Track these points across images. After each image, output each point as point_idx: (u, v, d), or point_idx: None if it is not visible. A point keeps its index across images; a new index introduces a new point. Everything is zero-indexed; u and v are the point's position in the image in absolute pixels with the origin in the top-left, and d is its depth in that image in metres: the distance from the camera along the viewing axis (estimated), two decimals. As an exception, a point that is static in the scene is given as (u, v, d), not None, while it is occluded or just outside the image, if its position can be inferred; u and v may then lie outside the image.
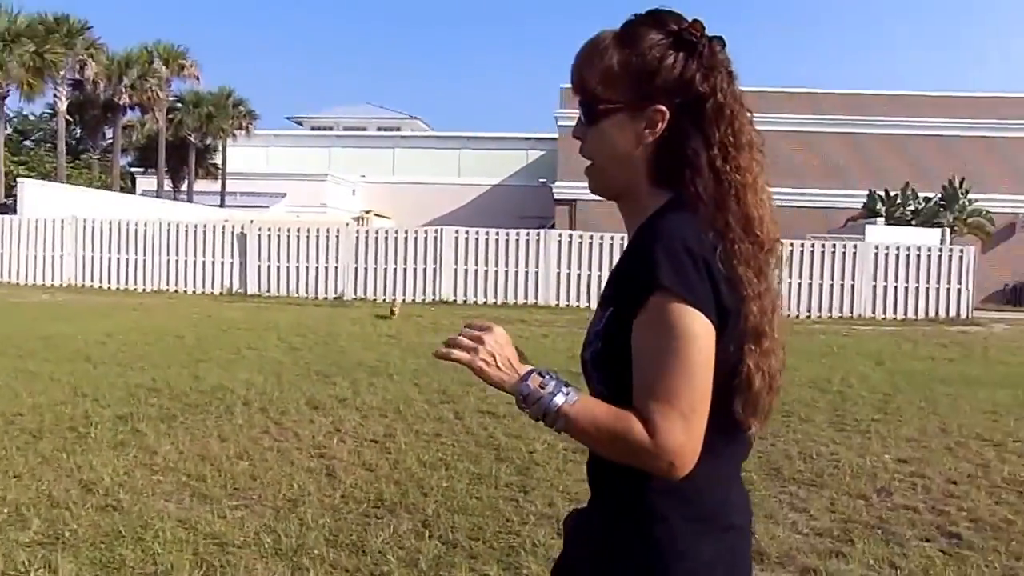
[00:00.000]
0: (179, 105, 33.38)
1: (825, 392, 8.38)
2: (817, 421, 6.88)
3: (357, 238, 20.34)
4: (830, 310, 18.97)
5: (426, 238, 20.28)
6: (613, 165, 1.34)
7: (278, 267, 20.24)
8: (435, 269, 20.17)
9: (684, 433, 1.17)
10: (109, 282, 20.36)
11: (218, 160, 34.50)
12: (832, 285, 19.11)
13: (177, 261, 20.38)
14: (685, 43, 1.28)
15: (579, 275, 19.99)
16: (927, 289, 19.08)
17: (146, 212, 21.94)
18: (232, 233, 20.44)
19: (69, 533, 3.78)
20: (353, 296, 19.88)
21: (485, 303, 19.87)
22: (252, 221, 21.22)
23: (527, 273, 20.14)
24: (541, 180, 36.75)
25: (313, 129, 47.44)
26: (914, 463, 5.62)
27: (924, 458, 5.77)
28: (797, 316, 18.00)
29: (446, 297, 20.04)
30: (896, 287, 19.08)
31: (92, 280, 20.43)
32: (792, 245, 18.16)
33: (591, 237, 20.28)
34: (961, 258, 19.04)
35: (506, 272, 20.15)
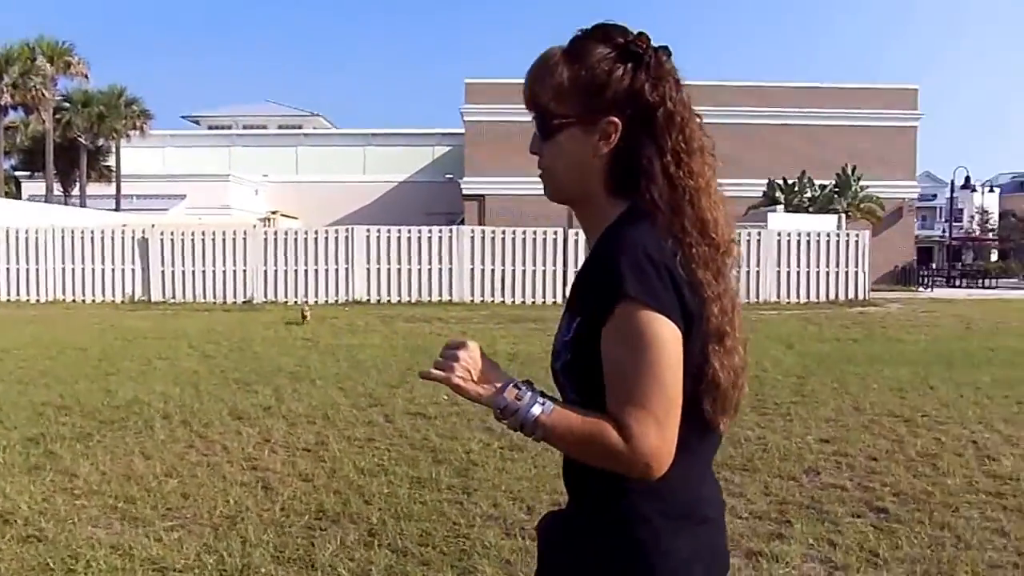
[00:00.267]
0: (67, 105, 31.62)
1: (743, 377, 8.63)
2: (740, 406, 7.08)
3: (265, 240, 19.82)
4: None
5: (337, 238, 19.93)
6: (570, 177, 1.37)
7: (183, 272, 19.52)
8: (347, 269, 19.85)
9: (658, 436, 1.20)
10: (-2, 294, 19.23)
11: (111, 162, 32.88)
12: (738, 272, 19.70)
13: (73, 269, 19.41)
14: (632, 55, 1.31)
15: (493, 271, 20.04)
16: (827, 273, 19.98)
17: (36, 218, 20.73)
18: (132, 238, 19.58)
19: (-10, 568, 3.55)
20: (263, 299, 19.36)
21: (399, 302, 19.70)
22: (154, 225, 20.40)
23: (441, 270, 20.06)
24: (448, 176, 36.65)
25: (211, 128, 45.92)
26: (836, 442, 5.87)
27: (844, 437, 6.03)
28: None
29: (359, 297, 19.76)
30: (798, 272, 19.89)
31: (-22, 293, 19.25)
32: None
33: (503, 232, 20.36)
34: (857, 242, 20.00)
35: (419, 270, 20.02)
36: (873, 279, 23.10)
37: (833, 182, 27.21)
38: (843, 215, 23.73)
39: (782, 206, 25.00)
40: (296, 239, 19.90)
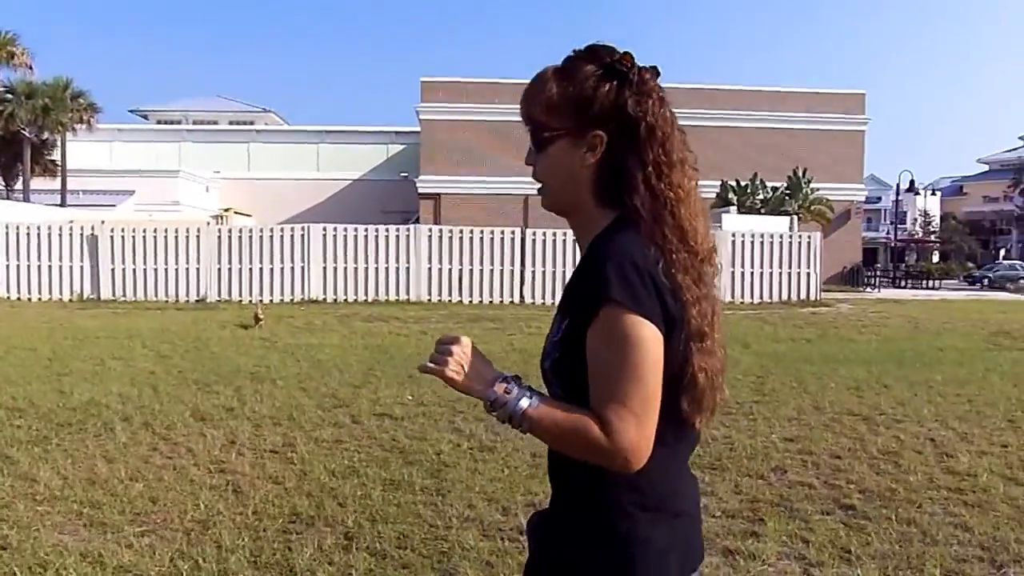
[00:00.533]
0: (9, 97, 30.55)
1: (705, 377, 8.74)
2: (704, 405, 7.17)
3: (219, 237, 19.48)
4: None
5: (293, 236, 19.68)
6: (561, 187, 1.45)
7: (134, 270, 19.07)
8: (303, 268, 19.62)
9: (637, 432, 1.27)
10: (-63, 292, 18.56)
11: (56, 156, 31.92)
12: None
13: (19, 266, 18.84)
14: (617, 73, 1.39)
15: (450, 270, 19.99)
16: (779, 274, 20.35)
17: (-24, 214, 20.09)
18: (81, 235, 19.06)
19: (-48, 578, 3.42)
20: (217, 298, 19.03)
21: (356, 300, 19.53)
22: (103, 222, 19.84)
23: (398, 269, 19.94)
24: (403, 174, 36.46)
25: (160, 123, 44.97)
26: (799, 441, 5.98)
27: (807, 436, 6.16)
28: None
29: (315, 296, 19.54)
30: (752, 272, 20.22)
31: (-84, 290, 18.56)
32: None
33: (461, 231, 20.32)
34: (809, 243, 20.42)
35: (376, 268, 19.88)
36: (823, 280, 23.63)
37: (784, 184, 27.73)
38: (795, 217, 24.20)
39: (735, 207, 25.40)
40: (251, 237, 19.60)
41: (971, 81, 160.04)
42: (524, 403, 1.31)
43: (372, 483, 4.79)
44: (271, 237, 19.58)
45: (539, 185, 1.49)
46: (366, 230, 20.00)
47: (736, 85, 30.80)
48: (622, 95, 1.39)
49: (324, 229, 19.86)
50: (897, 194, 39.15)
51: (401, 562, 3.66)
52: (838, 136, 31.41)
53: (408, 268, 19.87)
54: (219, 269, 19.25)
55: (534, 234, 20.52)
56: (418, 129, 34.09)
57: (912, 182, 37.59)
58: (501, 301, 19.60)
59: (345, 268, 19.73)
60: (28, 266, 18.88)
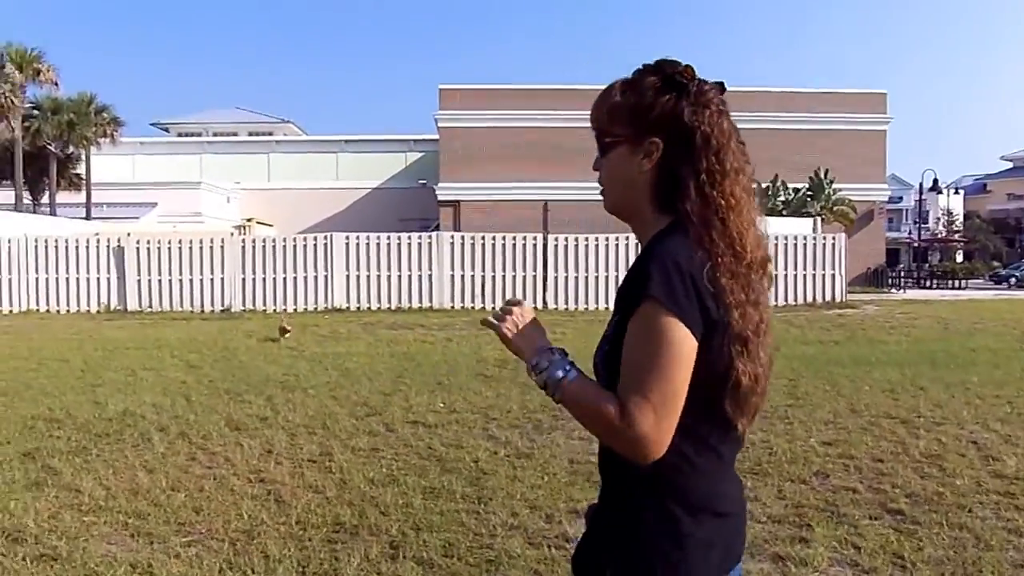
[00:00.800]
0: (36, 112, 30.93)
1: (737, 381, 8.67)
2: (739, 410, 7.11)
3: (243, 248, 19.59)
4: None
5: (316, 245, 19.75)
6: (620, 191, 1.53)
7: (159, 281, 19.22)
8: (326, 276, 19.69)
9: (654, 425, 1.31)
10: (-32, 305, 18.79)
11: (81, 170, 32.25)
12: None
13: (47, 279, 19.04)
14: (677, 84, 1.46)
15: (472, 276, 19.99)
16: (804, 276, 20.19)
17: (6, 227, 20.30)
18: (107, 247, 19.24)
19: (4, 590, 3.44)
20: (241, 308, 19.14)
21: (379, 308, 19.57)
22: (129, 234, 20.03)
23: (421, 276, 19.96)
24: (421, 181, 36.56)
25: (181, 135, 45.36)
26: (839, 445, 5.91)
27: (846, 439, 6.08)
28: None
29: (339, 304, 19.61)
30: (776, 275, 20.04)
31: (-53, 304, 18.80)
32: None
33: (483, 238, 20.30)
34: (834, 245, 20.25)
35: (399, 276, 19.92)
36: (847, 281, 23.43)
37: (806, 185, 27.54)
38: (818, 218, 24.02)
39: (757, 210, 25.21)
40: (274, 247, 19.69)
41: (992, 78, 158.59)
42: (560, 373, 1.40)
43: (412, 491, 4.78)
44: (294, 246, 19.68)
45: (599, 189, 1.55)
46: (388, 238, 20.05)
47: (754, 87, 30.70)
48: (679, 105, 1.44)
49: (347, 238, 19.93)
50: (920, 193, 38.76)
51: (449, 571, 3.64)
52: (860, 136, 31.14)
53: (431, 275, 19.89)
54: (243, 279, 19.36)
55: (556, 240, 20.49)
56: (436, 136, 34.17)
57: (935, 181, 37.24)
58: (524, 307, 19.55)
59: (368, 276, 19.79)
60: (56, 279, 19.07)
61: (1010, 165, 71.34)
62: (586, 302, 19.88)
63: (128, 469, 5.29)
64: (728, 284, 1.37)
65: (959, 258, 50.63)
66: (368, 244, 19.91)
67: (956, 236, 55.87)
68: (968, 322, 16.23)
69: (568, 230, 22.06)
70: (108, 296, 19.19)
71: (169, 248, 19.24)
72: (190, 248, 19.33)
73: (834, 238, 20.61)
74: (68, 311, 18.94)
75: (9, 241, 19.02)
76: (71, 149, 32.03)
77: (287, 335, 12.85)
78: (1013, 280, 38.19)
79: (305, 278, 19.59)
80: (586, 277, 20.22)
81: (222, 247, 19.44)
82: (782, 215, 25.53)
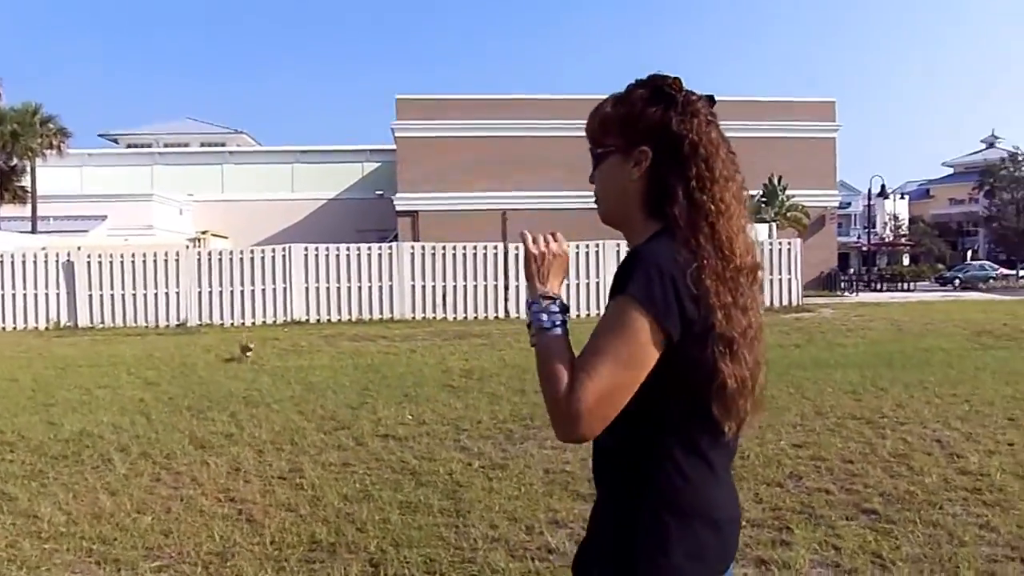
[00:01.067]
0: (-23, 124, 30.11)
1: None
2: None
3: (199, 260, 19.21)
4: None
5: (274, 257, 19.47)
6: (613, 200, 1.56)
7: (111, 296, 18.76)
8: (285, 289, 19.42)
9: (590, 408, 1.32)
10: (-92, 324, 18.12)
11: (26, 182, 31.38)
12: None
13: (-8, 296, 18.45)
14: (665, 95, 1.50)
15: (433, 287, 19.88)
16: (762, 280, 20.40)
17: (-53, 243, 19.68)
18: (57, 261, 18.72)
19: (-35, 623, 3.28)
20: (198, 322, 18.77)
21: (339, 320, 19.36)
22: (80, 248, 19.52)
23: (381, 287, 19.81)
24: (378, 192, 36.33)
25: (130, 147, 44.48)
26: (809, 447, 5.97)
27: (815, 441, 6.15)
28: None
29: (298, 317, 19.35)
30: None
31: None
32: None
33: (444, 248, 20.22)
34: (790, 250, 20.59)
35: (359, 287, 19.74)
36: (802, 285, 23.82)
37: (760, 192, 27.97)
38: (773, 224, 24.41)
39: (713, 216, 25.54)
40: (231, 259, 19.36)
41: (933, 85, 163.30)
42: (547, 324, 1.42)
43: (388, 506, 4.69)
44: (251, 259, 19.37)
45: (594, 199, 1.57)
46: (348, 249, 19.85)
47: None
48: (667, 115, 1.47)
49: (306, 249, 19.69)
50: (869, 198, 39.66)
51: (432, 587, 3.57)
52: (810, 143, 31.76)
53: (391, 286, 19.74)
54: (199, 293, 18.99)
55: (516, 248, 20.48)
56: (393, 147, 33.99)
57: (883, 187, 38.14)
58: (486, 317, 19.53)
59: (328, 288, 19.57)
60: (2, 295, 18.50)
61: (951, 171, 73.50)
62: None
63: (89, 492, 5.11)
64: (713, 286, 1.37)
65: (906, 261, 51.88)
66: (327, 255, 19.70)
67: (903, 240, 57.23)
68: (920, 323, 16.62)
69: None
70: (57, 312, 18.67)
71: (122, 262, 18.79)
72: (143, 261, 18.90)
73: (789, 243, 20.96)
74: (15, 328, 18.37)
75: (-48, 257, 18.43)
76: (15, 161, 31.13)
77: (249, 354, 12.09)
78: (957, 281, 39.28)
79: (263, 291, 19.29)
80: (547, 285, 20.19)
81: (177, 260, 19.05)
82: (737, 221, 25.86)
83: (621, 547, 1.41)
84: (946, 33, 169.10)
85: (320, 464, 5.76)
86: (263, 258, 19.41)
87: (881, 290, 34.49)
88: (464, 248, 20.24)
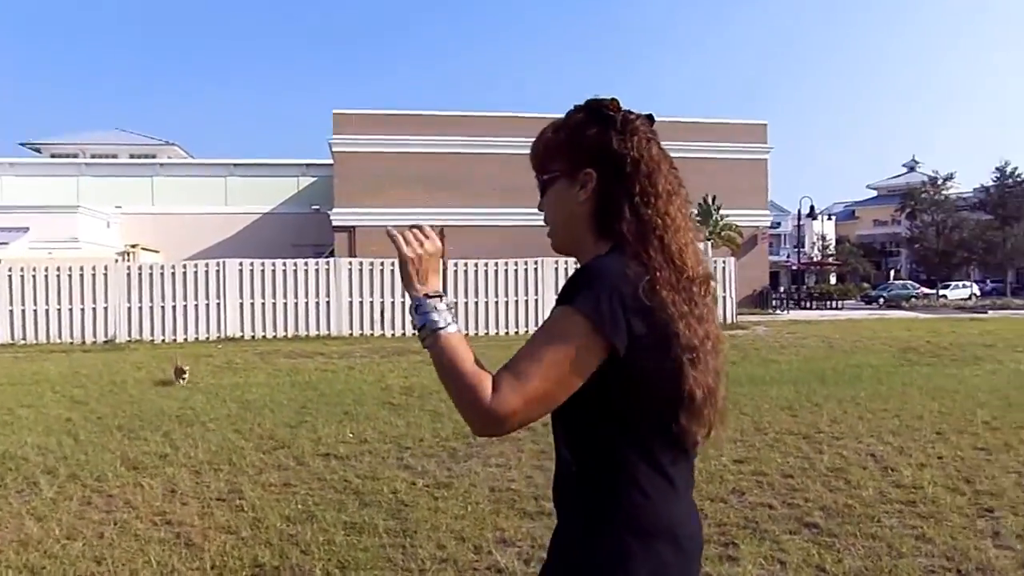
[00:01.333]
0: None
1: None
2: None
3: (128, 275, 18.62)
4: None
5: (207, 272, 19.00)
6: (563, 226, 1.56)
7: (35, 311, 18.02)
8: (219, 304, 18.97)
9: (515, 411, 1.32)
10: None
11: (-59, 193, 30.06)
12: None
13: (-96, 312, 17.53)
14: (603, 116, 1.52)
15: (371, 303, 19.67)
16: (715, 290, 20.81)
17: None
18: (-26, 276, 17.93)
19: None
20: (127, 338, 18.17)
21: (275, 337, 18.99)
22: (1, 261, 18.71)
23: (319, 304, 19.52)
24: (315, 207, 35.83)
25: (54, 156, 42.93)
26: (750, 462, 6.07)
27: (756, 456, 6.26)
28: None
29: (232, 333, 18.91)
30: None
31: None
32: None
33: (382, 264, 20.03)
34: (724, 268, 21.02)
35: (296, 303, 19.41)
36: (736, 303, 24.33)
37: (695, 211, 28.51)
38: (708, 243, 24.89)
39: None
40: (163, 273, 18.82)
41: (858, 109, 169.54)
42: (441, 323, 1.40)
43: (333, 527, 4.59)
44: (184, 273, 18.87)
45: (545, 227, 1.58)
46: (284, 264, 19.51)
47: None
48: (607, 135, 1.49)
49: (240, 264, 19.27)
50: (799, 219, 40.84)
51: (380, 610, 3.49)
52: (743, 164, 32.55)
53: (328, 302, 19.46)
54: (128, 308, 18.39)
55: (455, 264, 20.45)
56: (329, 161, 33.59)
57: (812, 208, 39.35)
58: (425, 333, 19.37)
59: (263, 304, 19.19)
60: (-85, 311, 17.62)
61: (875, 193, 76.33)
62: (486, 327, 19.87)
63: (14, 518, 4.87)
64: (669, 296, 1.38)
65: (832, 280, 53.53)
66: (263, 270, 19.32)
67: (830, 259, 59.07)
68: (849, 341, 17.13)
69: (467, 255, 22.08)
70: (-25, 329, 17.85)
71: (46, 276, 18.09)
72: (69, 276, 18.23)
73: (724, 261, 21.41)
74: (-71, 346, 17.50)
75: None
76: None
77: (184, 378, 11.10)
78: (881, 300, 40.68)
79: (196, 306, 18.81)
80: (486, 302, 20.24)
81: (105, 274, 18.42)
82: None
83: (584, 571, 1.39)
84: (871, 60, 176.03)
85: (260, 484, 5.61)
86: (196, 273, 18.93)
87: (811, 308, 35.45)
88: (403, 264, 20.07)
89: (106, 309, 18.25)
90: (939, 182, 47.36)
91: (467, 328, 19.91)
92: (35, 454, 6.65)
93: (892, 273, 62.00)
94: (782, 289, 43.63)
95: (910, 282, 48.60)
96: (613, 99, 1.54)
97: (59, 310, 18.10)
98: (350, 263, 20.59)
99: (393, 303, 19.71)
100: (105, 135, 47.51)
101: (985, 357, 13.47)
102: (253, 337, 18.92)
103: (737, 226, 29.05)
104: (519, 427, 1.35)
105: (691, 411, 1.39)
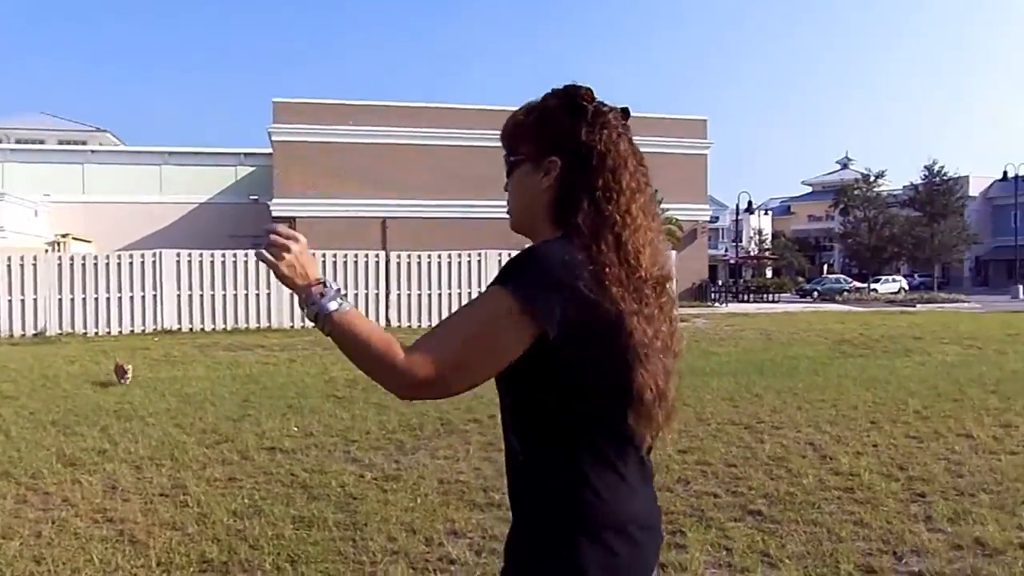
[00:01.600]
0: None
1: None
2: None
3: (60, 266, 17.99)
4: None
5: (143, 263, 18.48)
6: (522, 208, 1.55)
7: (-42, 303, 17.30)
8: (155, 296, 18.48)
9: (431, 377, 1.33)
10: None
11: None
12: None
13: None
14: (576, 106, 1.50)
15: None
16: (672, 292, 21.08)
17: None
18: None
19: None
20: (59, 331, 17.56)
21: (214, 329, 18.60)
22: (-81, 251, 17.91)
23: (258, 296, 19.17)
24: (253, 197, 35.13)
25: (-24, 142, 41.23)
26: (694, 452, 6.19)
27: (699, 447, 6.38)
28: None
29: (169, 326, 18.45)
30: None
31: None
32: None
33: (324, 255, 19.75)
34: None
35: (235, 295, 19.03)
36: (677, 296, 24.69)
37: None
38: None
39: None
40: (95, 264, 18.22)
41: (795, 107, 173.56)
42: (332, 306, 1.38)
43: (281, 522, 4.54)
44: (119, 264, 18.30)
45: (506, 208, 1.58)
46: (223, 255, 19.11)
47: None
48: (576, 125, 1.47)
49: (178, 255, 18.80)
50: (737, 214, 41.70)
51: (333, 603, 3.47)
52: (683, 159, 33.02)
53: (269, 294, 19.13)
54: (60, 300, 17.77)
55: (399, 257, 20.33)
56: (268, 151, 32.99)
57: (750, 203, 40.19)
58: (368, 325, 19.20)
59: (201, 295, 18.76)
60: None
61: (810, 189, 78.35)
62: (428, 319, 19.81)
63: (-55, 516, 4.69)
64: (619, 292, 1.36)
65: (769, 274, 54.79)
66: (201, 262, 18.89)
67: (767, 254, 60.44)
68: (786, 333, 17.57)
69: (409, 247, 21.96)
70: None
71: (-31, 267, 17.36)
72: (-4, 267, 17.54)
73: (666, 255, 21.69)
74: None
75: None
76: None
77: (127, 377, 10.30)
78: (816, 294, 41.83)
79: (131, 298, 18.27)
80: (428, 295, 20.19)
81: (34, 265, 17.78)
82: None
83: (527, 567, 1.40)
84: (809, 59, 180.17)
85: (204, 480, 5.51)
86: (132, 264, 18.38)
87: (749, 301, 36.25)
88: (346, 256, 19.90)
89: (35, 301, 17.60)
90: (871, 179, 48.79)
91: (410, 321, 19.83)
92: (-36, 451, 6.40)
93: (826, 267, 63.90)
94: (720, 282, 44.53)
95: (843, 276, 50.07)
96: (588, 88, 1.53)
97: (-15, 302, 17.40)
98: (291, 254, 20.23)
99: (335, 295, 19.46)
100: (30, 119, 45.83)
101: (915, 349, 13.96)
102: (191, 329, 18.51)
103: (678, 220, 29.50)
104: (437, 392, 1.36)
105: (639, 411, 1.37)
